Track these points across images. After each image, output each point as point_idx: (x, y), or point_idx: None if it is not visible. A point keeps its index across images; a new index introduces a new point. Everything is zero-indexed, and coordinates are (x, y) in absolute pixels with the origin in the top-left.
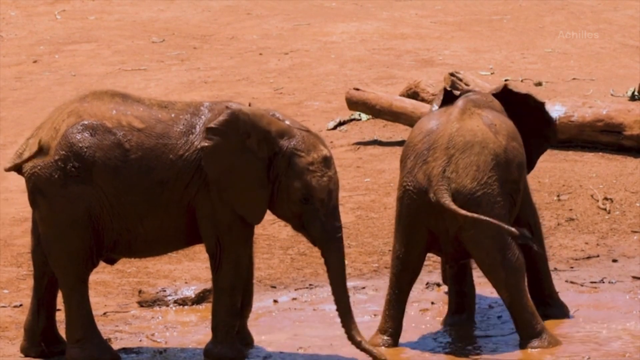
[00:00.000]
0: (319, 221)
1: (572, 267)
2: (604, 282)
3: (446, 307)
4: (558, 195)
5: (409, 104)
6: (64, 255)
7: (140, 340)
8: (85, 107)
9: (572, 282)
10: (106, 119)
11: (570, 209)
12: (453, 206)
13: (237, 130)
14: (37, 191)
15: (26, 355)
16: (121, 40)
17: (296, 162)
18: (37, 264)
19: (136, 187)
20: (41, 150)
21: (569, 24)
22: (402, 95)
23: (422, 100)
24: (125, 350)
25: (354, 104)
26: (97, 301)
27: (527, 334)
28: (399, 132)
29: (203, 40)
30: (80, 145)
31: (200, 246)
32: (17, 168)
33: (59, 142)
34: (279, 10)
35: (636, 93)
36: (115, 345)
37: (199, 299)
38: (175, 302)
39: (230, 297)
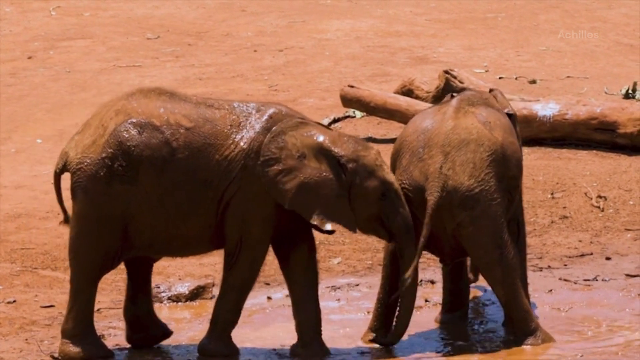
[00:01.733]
0: (399, 214)
1: (565, 265)
2: (597, 280)
3: (439, 304)
4: (552, 193)
5: (403, 102)
6: (84, 253)
7: None
8: (133, 105)
9: (565, 280)
10: (154, 117)
11: (564, 207)
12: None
13: (290, 153)
14: (79, 187)
15: (130, 342)
16: (116, 36)
17: (364, 162)
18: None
19: (181, 186)
20: (88, 148)
21: (564, 22)
22: (397, 92)
23: (417, 97)
24: (119, 346)
25: (348, 101)
26: None
27: (521, 332)
28: (393, 129)
29: (198, 37)
30: (129, 143)
31: None
32: (66, 168)
33: (107, 139)
34: (273, 7)
35: (630, 91)
36: (109, 342)
37: (193, 295)
38: (169, 298)
39: (238, 294)
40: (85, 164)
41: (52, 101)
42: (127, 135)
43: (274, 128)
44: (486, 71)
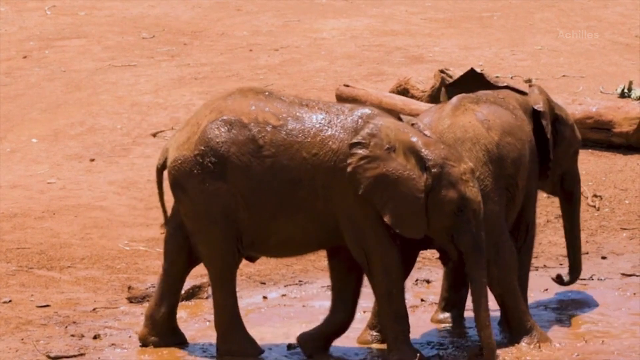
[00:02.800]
0: (470, 233)
1: (561, 264)
2: (593, 279)
3: (436, 304)
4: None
5: (399, 101)
6: (209, 249)
7: (130, 336)
8: (227, 104)
9: None
10: (244, 115)
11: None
12: None
13: (380, 142)
14: (177, 186)
15: (143, 345)
16: (111, 36)
17: (450, 171)
18: (170, 253)
19: (267, 184)
20: (182, 145)
21: (559, 21)
22: (392, 91)
23: (412, 97)
24: (115, 345)
25: (343, 100)
26: (87, 297)
27: (517, 331)
28: None
29: (193, 36)
30: (217, 140)
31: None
32: (166, 165)
33: (199, 137)
34: (269, 6)
35: (626, 90)
36: (105, 341)
37: (189, 295)
38: None
39: (389, 304)
40: (180, 161)
41: (47, 101)
42: (216, 132)
43: (373, 117)
44: (482, 70)
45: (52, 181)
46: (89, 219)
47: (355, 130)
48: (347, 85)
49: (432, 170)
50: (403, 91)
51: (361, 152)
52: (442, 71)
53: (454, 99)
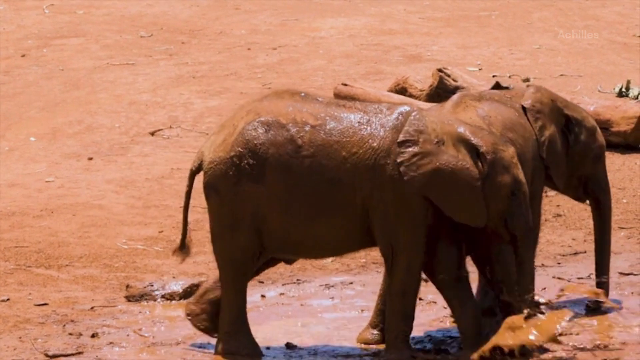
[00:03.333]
0: (522, 216)
1: (559, 263)
2: (590, 278)
3: (434, 302)
4: (545, 192)
5: (397, 100)
6: (225, 252)
7: (128, 335)
8: (263, 105)
9: (559, 278)
10: (281, 115)
11: (558, 205)
12: None
13: (429, 137)
14: (211, 187)
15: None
16: (109, 34)
17: (502, 156)
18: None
19: (307, 185)
20: (219, 147)
21: (557, 20)
22: (390, 90)
23: (410, 96)
24: (113, 344)
25: (342, 99)
26: (85, 295)
27: None
28: None
29: (191, 35)
30: (255, 142)
31: (188, 241)
32: (201, 167)
33: (235, 138)
34: (267, 5)
35: (624, 90)
36: (103, 340)
37: (187, 294)
38: (162, 297)
39: (401, 303)
40: (216, 162)
41: (45, 99)
42: (254, 134)
43: (414, 114)
44: (480, 69)
45: (50, 180)
46: (87, 217)
47: (396, 128)
48: (345, 84)
49: (486, 157)
50: (401, 90)
51: (412, 149)
52: (440, 70)
53: (455, 96)
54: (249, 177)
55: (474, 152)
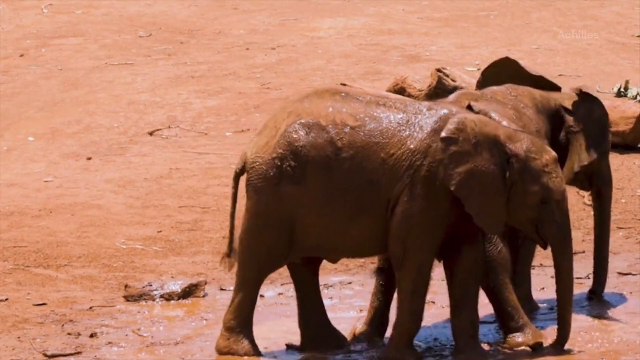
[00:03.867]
0: (555, 224)
1: None
2: (589, 278)
3: (433, 302)
4: None
5: None
6: (250, 249)
7: (126, 335)
8: (304, 106)
9: None
10: (322, 117)
11: None
12: None
13: (468, 137)
14: (252, 187)
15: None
16: (108, 34)
17: (532, 165)
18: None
19: (347, 186)
20: (261, 148)
21: (556, 20)
22: (389, 90)
23: (409, 96)
24: (111, 344)
25: None
26: (83, 295)
27: (509, 329)
28: None
29: (190, 34)
30: (297, 144)
31: (187, 240)
32: (245, 169)
33: (277, 140)
34: (266, 5)
35: (622, 90)
36: (101, 340)
37: (185, 293)
38: (161, 296)
39: (410, 301)
40: (258, 163)
41: (44, 99)
42: (295, 136)
43: (457, 113)
44: (478, 69)
45: (49, 179)
46: (85, 217)
47: (435, 130)
48: (344, 84)
49: (515, 165)
50: (400, 90)
51: (453, 147)
52: (438, 70)
53: (452, 95)
54: (290, 178)
55: (505, 158)
